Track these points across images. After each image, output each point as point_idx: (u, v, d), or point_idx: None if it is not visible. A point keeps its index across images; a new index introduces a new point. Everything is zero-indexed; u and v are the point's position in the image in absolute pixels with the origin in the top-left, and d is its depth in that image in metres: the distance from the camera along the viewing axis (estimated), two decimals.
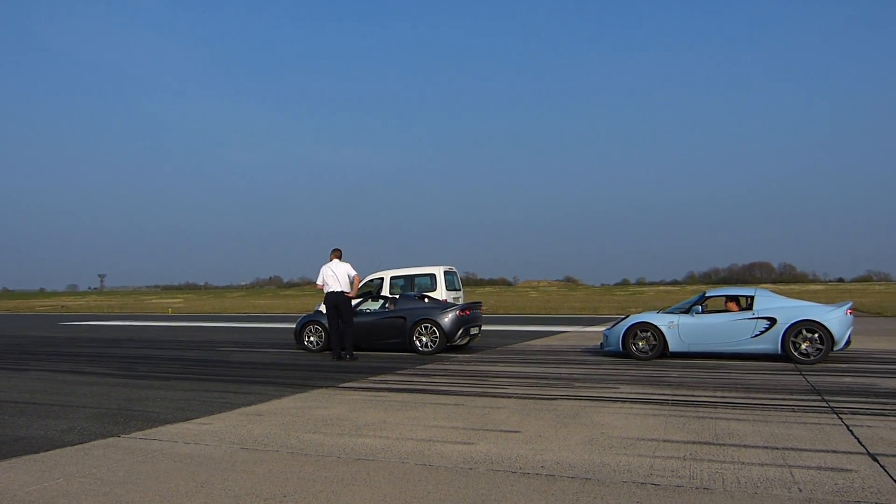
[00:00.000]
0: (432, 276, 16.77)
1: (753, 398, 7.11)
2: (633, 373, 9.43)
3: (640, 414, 6.30)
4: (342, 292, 11.53)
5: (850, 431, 5.41)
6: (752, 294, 10.99)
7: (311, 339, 13.25)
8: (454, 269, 17.66)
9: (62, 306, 62.76)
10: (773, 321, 10.38)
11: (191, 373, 10.16)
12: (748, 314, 10.61)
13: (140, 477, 4.32)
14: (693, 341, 10.84)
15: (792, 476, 4.15)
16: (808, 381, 8.32)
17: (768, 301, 10.68)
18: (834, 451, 4.77)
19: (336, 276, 11.52)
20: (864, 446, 4.90)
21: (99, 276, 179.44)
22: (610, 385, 8.24)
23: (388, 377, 9.24)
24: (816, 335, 10.09)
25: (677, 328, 10.90)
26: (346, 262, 11.79)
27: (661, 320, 11.08)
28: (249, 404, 7.09)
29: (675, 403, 6.85)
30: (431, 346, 12.28)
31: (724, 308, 11.27)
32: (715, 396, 7.26)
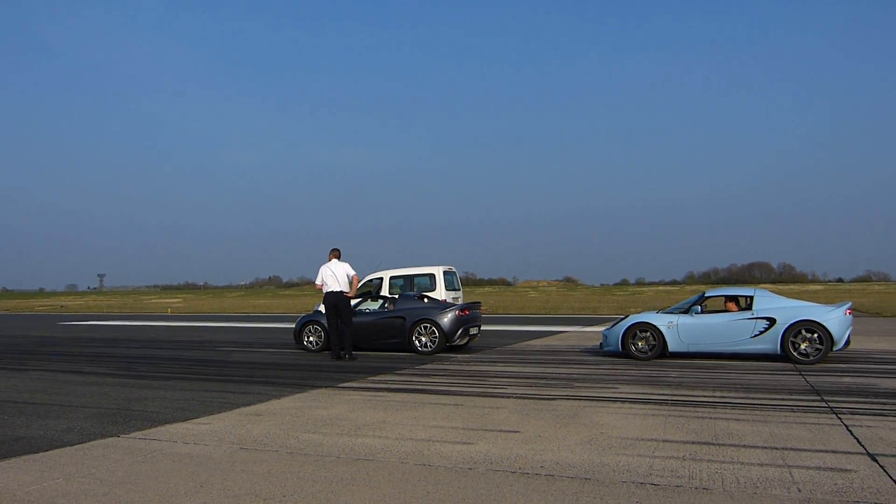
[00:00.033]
0: (432, 276, 16.77)
1: (753, 398, 7.12)
2: (632, 373, 9.44)
3: (639, 414, 6.30)
4: (341, 292, 11.52)
5: (850, 431, 5.41)
6: (752, 294, 10.99)
7: (311, 339, 13.24)
8: (453, 269, 17.66)
9: (61, 306, 62.72)
10: (772, 321, 10.38)
11: (190, 373, 10.15)
12: (747, 314, 10.61)
13: (139, 477, 4.32)
14: (692, 341, 10.85)
15: (791, 476, 4.15)
16: (807, 382, 8.32)
17: (767, 301, 10.68)
18: (833, 452, 4.77)
19: (335, 275, 11.52)
20: (863, 446, 4.90)
21: (98, 275, 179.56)
22: (609, 385, 8.24)
23: (388, 377, 9.24)
24: (816, 335, 10.10)
25: (677, 328, 10.90)
26: (345, 261, 11.79)
27: (661, 320, 11.08)
28: (249, 404, 7.08)
29: (675, 403, 6.85)
30: (431, 346, 12.28)
31: (723, 308, 11.28)
32: (714, 396, 7.26)
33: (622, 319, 11.69)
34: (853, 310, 10.77)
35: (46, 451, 5.06)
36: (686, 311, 11.10)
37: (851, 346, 11.59)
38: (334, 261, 11.72)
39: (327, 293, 11.55)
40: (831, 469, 4.31)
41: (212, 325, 25.98)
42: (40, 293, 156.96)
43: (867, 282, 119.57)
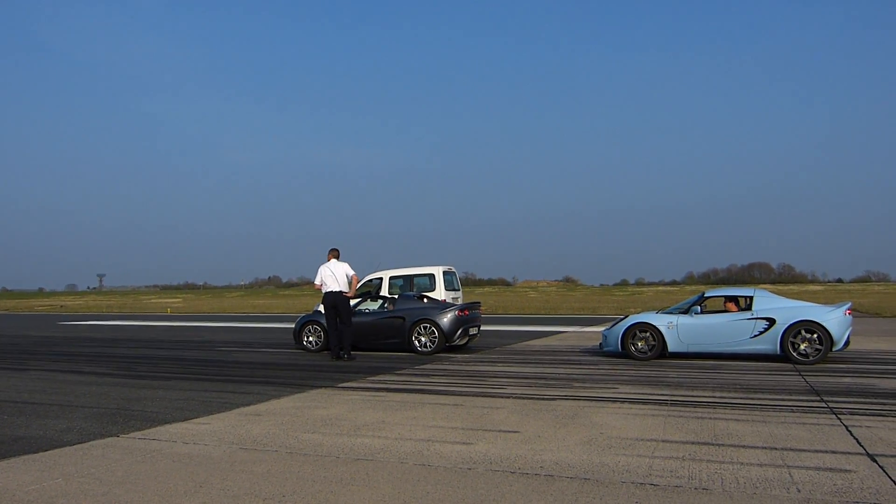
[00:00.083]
0: (431, 276, 16.77)
1: (752, 399, 7.12)
2: (631, 373, 9.43)
3: (638, 414, 6.30)
4: (340, 292, 11.52)
5: (849, 432, 5.41)
6: (751, 294, 10.99)
7: (310, 339, 13.24)
8: (453, 270, 17.65)
9: (61, 306, 62.70)
10: (771, 321, 10.38)
11: (190, 373, 10.15)
12: (747, 314, 10.62)
13: (139, 477, 4.32)
14: (692, 342, 10.85)
15: (791, 476, 4.15)
16: (806, 382, 8.32)
17: (767, 301, 10.68)
18: (833, 452, 4.77)
19: (334, 275, 11.51)
20: (862, 447, 4.90)
21: (98, 275, 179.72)
22: (609, 385, 8.24)
23: (387, 377, 9.24)
24: (815, 336, 10.10)
25: (676, 328, 10.90)
26: (344, 262, 11.78)
27: (660, 320, 11.08)
28: (248, 404, 7.08)
29: (674, 404, 6.85)
30: (430, 347, 12.28)
31: (723, 308, 11.28)
32: (714, 397, 7.26)
33: (622, 320, 11.69)
34: (853, 310, 10.77)
35: (46, 451, 5.06)
36: (686, 312, 11.10)
37: (851, 347, 11.59)
38: (333, 261, 11.72)
39: (326, 293, 11.54)
40: (831, 469, 4.31)
41: (211, 325, 25.97)
42: (40, 293, 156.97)
43: (867, 282, 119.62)
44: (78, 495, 3.93)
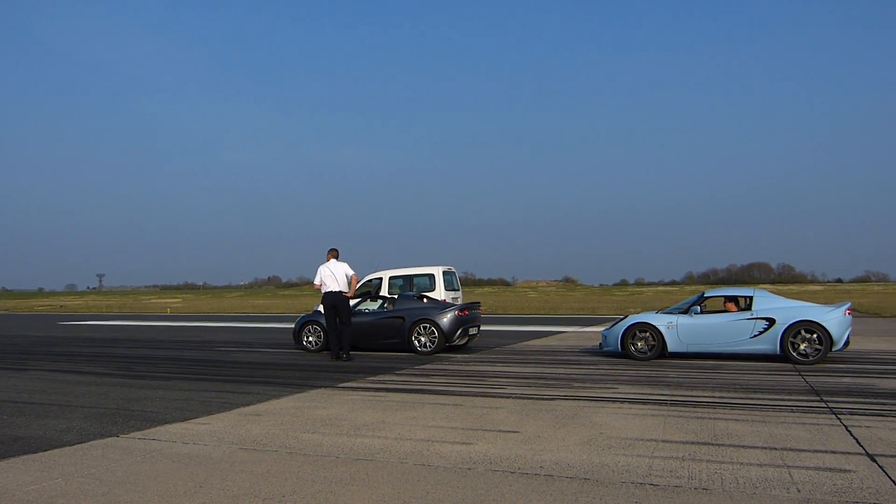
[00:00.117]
0: (431, 277, 16.77)
1: (752, 399, 7.12)
2: (631, 373, 9.44)
3: (638, 414, 6.30)
4: (340, 292, 11.51)
5: (849, 432, 5.41)
6: (751, 294, 10.99)
7: (310, 339, 13.24)
8: (453, 270, 17.65)
9: (61, 306, 62.68)
10: (771, 321, 10.38)
11: (189, 373, 10.15)
12: (747, 314, 10.62)
13: (139, 477, 4.32)
14: (692, 342, 10.85)
15: (790, 476, 4.15)
16: (806, 382, 8.32)
17: (767, 301, 10.68)
18: (832, 452, 4.77)
19: (334, 275, 11.51)
20: (862, 447, 4.90)
21: (97, 275, 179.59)
22: (608, 385, 8.24)
23: (387, 377, 9.24)
24: (815, 335, 10.10)
25: (676, 328, 10.91)
26: (344, 261, 11.78)
27: (660, 321, 11.08)
28: (248, 404, 7.08)
29: (674, 404, 6.85)
30: (430, 347, 12.27)
31: (722, 308, 11.28)
32: (713, 397, 7.26)
33: (621, 320, 11.69)
34: (852, 310, 10.77)
35: (46, 451, 5.06)
36: (685, 312, 11.10)
37: (851, 347, 11.59)
38: (333, 261, 11.71)
39: (326, 293, 11.54)
40: (830, 469, 4.31)
41: (211, 325, 25.97)
42: (40, 293, 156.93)
43: (866, 282, 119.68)
44: (78, 495, 3.93)
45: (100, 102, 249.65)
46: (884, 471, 4.27)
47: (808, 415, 6.17)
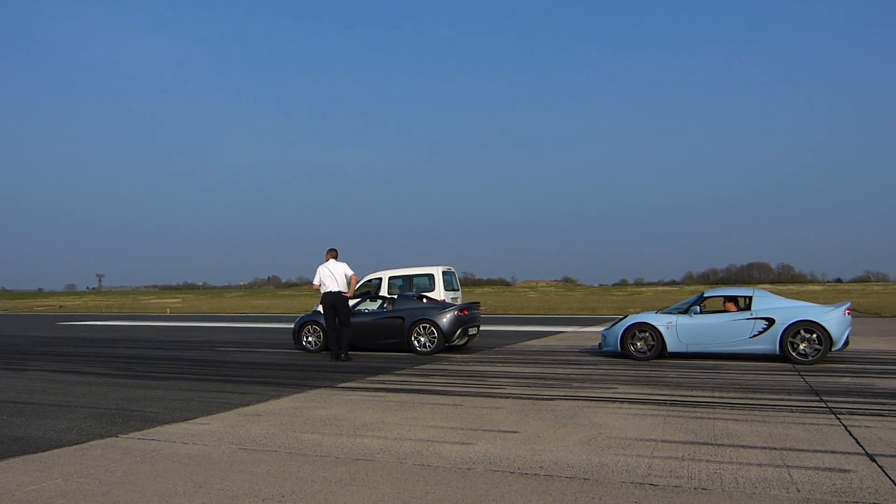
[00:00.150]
0: (430, 277, 16.76)
1: (751, 398, 7.12)
2: (631, 373, 9.44)
3: (638, 414, 6.30)
4: (339, 292, 11.51)
5: (849, 432, 5.41)
6: (751, 294, 10.99)
7: (310, 339, 13.24)
8: (452, 270, 17.64)
9: (60, 306, 62.65)
10: (771, 321, 10.38)
11: (189, 373, 10.15)
12: (746, 314, 10.62)
13: (138, 477, 4.32)
14: (691, 341, 10.85)
15: (790, 476, 4.15)
16: (806, 382, 8.32)
17: (766, 301, 10.68)
18: (832, 452, 4.77)
19: (333, 276, 11.50)
20: (862, 447, 4.90)
21: (97, 276, 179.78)
22: (608, 385, 8.24)
23: (387, 377, 9.23)
24: (815, 335, 10.10)
25: (675, 328, 10.91)
26: (343, 261, 11.78)
27: (660, 320, 11.08)
28: (248, 404, 7.08)
29: (674, 404, 6.85)
30: (430, 347, 12.27)
31: (722, 308, 11.28)
32: (713, 397, 7.26)
33: (621, 320, 11.69)
34: (852, 310, 10.77)
35: (45, 451, 5.06)
36: (685, 312, 11.10)
37: (850, 347, 11.60)
38: (332, 261, 11.71)
39: (325, 293, 11.53)
40: (830, 469, 4.31)
41: (211, 325, 25.96)
42: (39, 293, 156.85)
43: (866, 282, 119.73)
44: (77, 495, 3.93)
45: (100, 102, 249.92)
46: (883, 471, 4.27)
47: (808, 415, 6.17)
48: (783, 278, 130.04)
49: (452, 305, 12.94)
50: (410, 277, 17.03)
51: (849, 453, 4.72)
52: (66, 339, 18.62)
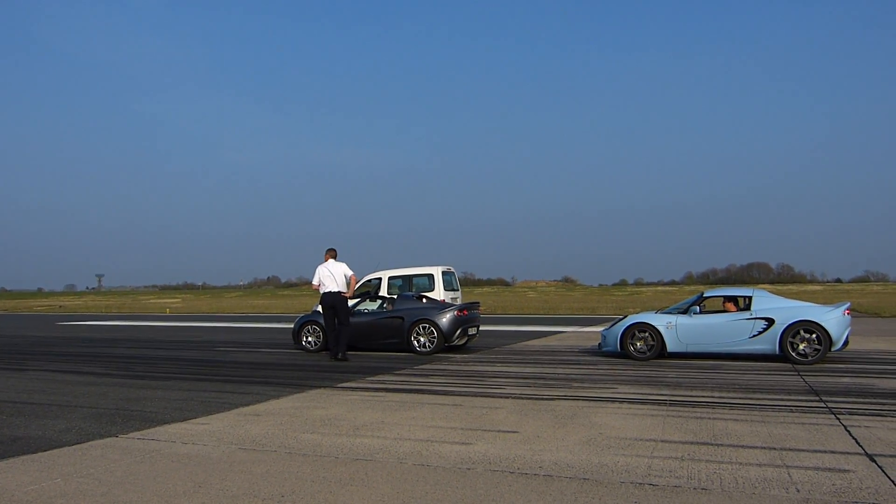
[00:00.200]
0: (430, 277, 16.76)
1: (751, 399, 7.12)
2: (630, 373, 9.44)
3: (637, 414, 6.30)
4: (339, 293, 11.51)
5: (848, 432, 5.41)
6: (750, 294, 11.00)
7: (310, 339, 13.23)
8: (452, 270, 17.65)
9: (60, 306, 62.63)
10: (770, 321, 10.38)
11: (189, 373, 10.15)
12: (746, 314, 10.62)
13: (138, 477, 4.32)
14: (691, 342, 10.85)
15: (790, 476, 4.15)
16: (805, 382, 8.33)
17: (766, 301, 10.68)
18: (832, 452, 4.77)
19: (332, 276, 11.50)
20: (861, 447, 4.91)
21: (97, 276, 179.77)
22: (608, 385, 8.24)
23: (386, 377, 9.23)
24: (814, 335, 10.10)
25: (675, 328, 10.91)
26: (342, 261, 11.78)
27: (659, 321, 11.08)
28: (247, 404, 7.08)
29: (673, 404, 6.85)
30: (429, 347, 12.27)
31: (722, 308, 11.28)
32: (713, 397, 7.26)
33: (621, 320, 11.69)
34: (851, 310, 10.78)
35: (45, 451, 5.06)
36: (685, 312, 11.10)
37: (850, 347, 11.60)
38: (331, 261, 11.70)
39: (325, 293, 11.53)
40: (830, 469, 4.31)
41: (210, 325, 25.96)
42: (39, 293, 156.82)
43: (866, 282, 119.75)
44: (77, 495, 3.93)
45: (100, 102, 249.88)
46: (883, 471, 4.27)
47: (808, 415, 6.17)
48: (783, 278, 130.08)
49: (452, 305, 12.94)
50: (410, 277, 17.03)
51: (848, 453, 4.73)
52: (65, 339, 18.62)
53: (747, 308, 10.74)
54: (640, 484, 4.04)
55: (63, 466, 4.60)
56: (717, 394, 7.46)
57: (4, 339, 18.85)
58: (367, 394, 7.75)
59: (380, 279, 17.11)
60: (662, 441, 5.17)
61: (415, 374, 9.53)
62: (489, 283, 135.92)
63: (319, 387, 8.36)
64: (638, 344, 11.07)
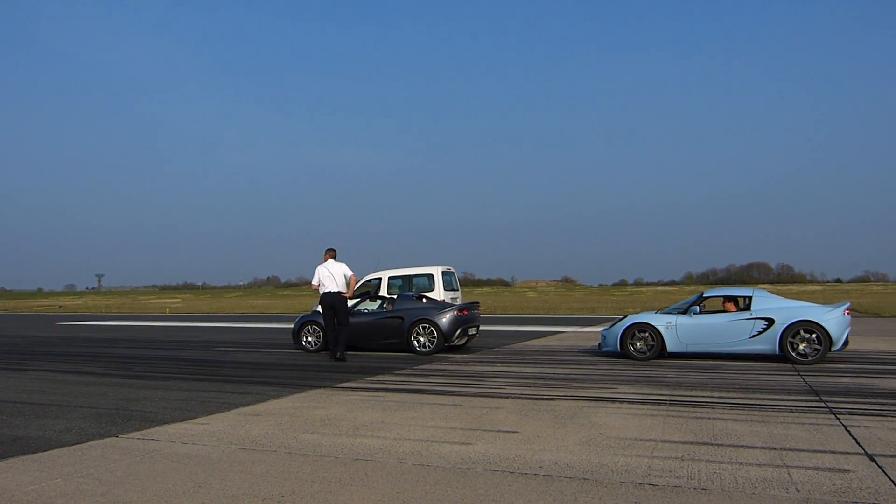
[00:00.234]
0: (430, 277, 16.76)
1: (751, 398, 7.12)
2: (630, 373, 9.44)
3: (637, 414, 6.30)
4: (338, 293, 11.51)
5: (848, 432, 5.41)
6: (750, 294, 11.00)
7: (309, 339, 13.23)
8: (452, 270, 17.65)
9: (60, 306, 62.63)
10: (770, 321, 10.38)
11: (188, 373, 10.14)
12: (746, 314, 10.62)
13: (138, 477, 4.32)
14: (691, 342, 10.85)
15: (790, 476, 4.15)
16: (805, 382, 8.33)
17: (766, 301, 10.69)
18: (832, 452, 4.77)
19: (332, 276, 11.50)
20: (861, 447, 4.91)
21: (97, 276, 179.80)
22: (608, 385, 8.24)
23: (386, 377, 9.23)
24: (814, 335, 10.10)
25: (675, 328, 10.91)
26: (342, 261, 11.78)
27: (659, 321, 11.08)
28: (247, 404, 7.08)
29: (673, 404, 6.85)
30: (429, 347, 12.27)
31: (721, 308, 11.28)
32: (713, 397, 7.26)
33: (621, 320, 11.69)
34: (851, 310, 10.78)
35: (45, 451, 5.06)
36: (685, 312, 11.10)
37: (850, 347, 11.61)
38: (331, 261, 11.70)
39: (324, 294, 11.53)
40: (830, 469, 4.31)
41: (210, 325, 25.96)
42: (39, 293, 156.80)
43: (865, 282, 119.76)
44: (77, 496, 3.93)
45: (100, 102, 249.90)
46: (883, 471, 4.27)
47: (808, 415, 6.17)
48: (783, 278, 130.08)
49: (452, 305, 12.94)
50: (410, 277, 17.03)
51: (848, 453, 4.73)
52: (65, 339, 18.62)
53: (747, 308, 10.74)
54: (640, 484, 4.04)
55: (63, 466, 4.60)
56: (717, 394, 7.46)
57: (4, 339, 18.85)
58: (367, 394, 7.75)
59: (380, 279, 17.11)
60: (662, 441, 5.17)
61: (415, 374, 9.53)
62: (489, 283, 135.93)
63: (319, 387, 8.36)
64: (638, 344, 11.07)
